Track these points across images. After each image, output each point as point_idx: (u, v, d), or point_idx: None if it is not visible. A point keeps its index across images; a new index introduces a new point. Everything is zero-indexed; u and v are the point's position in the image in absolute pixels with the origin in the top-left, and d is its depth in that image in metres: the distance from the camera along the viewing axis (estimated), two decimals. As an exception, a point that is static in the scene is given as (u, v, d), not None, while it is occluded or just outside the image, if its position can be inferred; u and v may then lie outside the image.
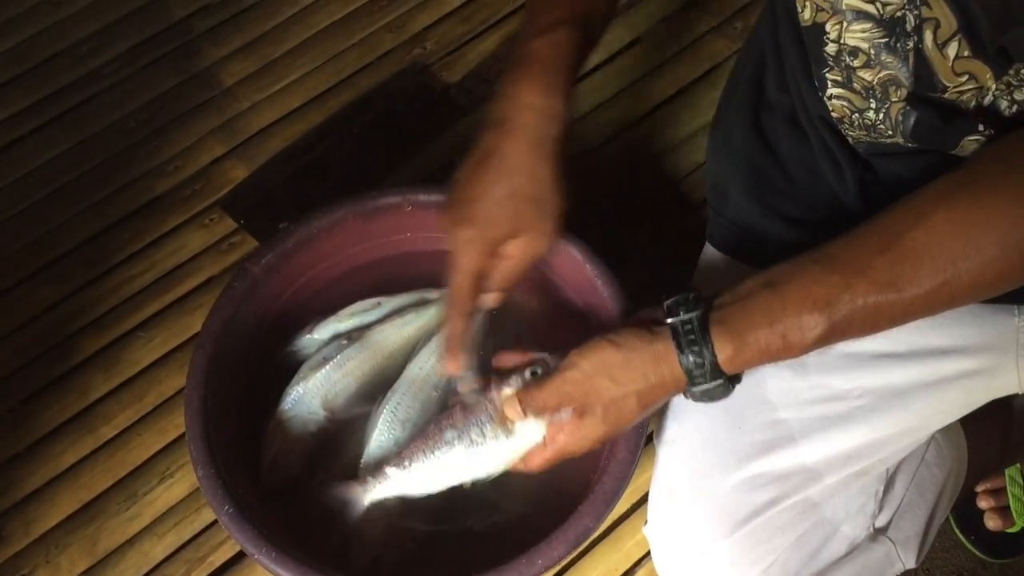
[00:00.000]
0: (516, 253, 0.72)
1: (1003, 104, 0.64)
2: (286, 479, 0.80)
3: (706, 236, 0.87)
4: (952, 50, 0.62)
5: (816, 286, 0.61)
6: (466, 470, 0.72)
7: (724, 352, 0.63)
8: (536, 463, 0.70)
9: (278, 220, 0.88)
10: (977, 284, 0.59)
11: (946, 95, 0.65)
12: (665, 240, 1.02)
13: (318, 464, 0.81)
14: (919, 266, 0.59)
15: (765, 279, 0.63)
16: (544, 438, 0.69)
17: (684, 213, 1.05)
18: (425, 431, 0.73)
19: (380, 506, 0.77)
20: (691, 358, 0.64)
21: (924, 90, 0.66)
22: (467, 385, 0.74)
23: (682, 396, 0.68)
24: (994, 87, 0.63)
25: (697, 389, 0.65)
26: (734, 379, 0.66)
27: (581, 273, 0.84)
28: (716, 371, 0.64)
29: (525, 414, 0.68)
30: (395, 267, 0.92)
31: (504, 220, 0.70)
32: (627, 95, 1.13)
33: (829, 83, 0.71)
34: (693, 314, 0.63)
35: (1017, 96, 0.63)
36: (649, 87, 1.14)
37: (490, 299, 0.75)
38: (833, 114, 0.73)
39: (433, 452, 0.71)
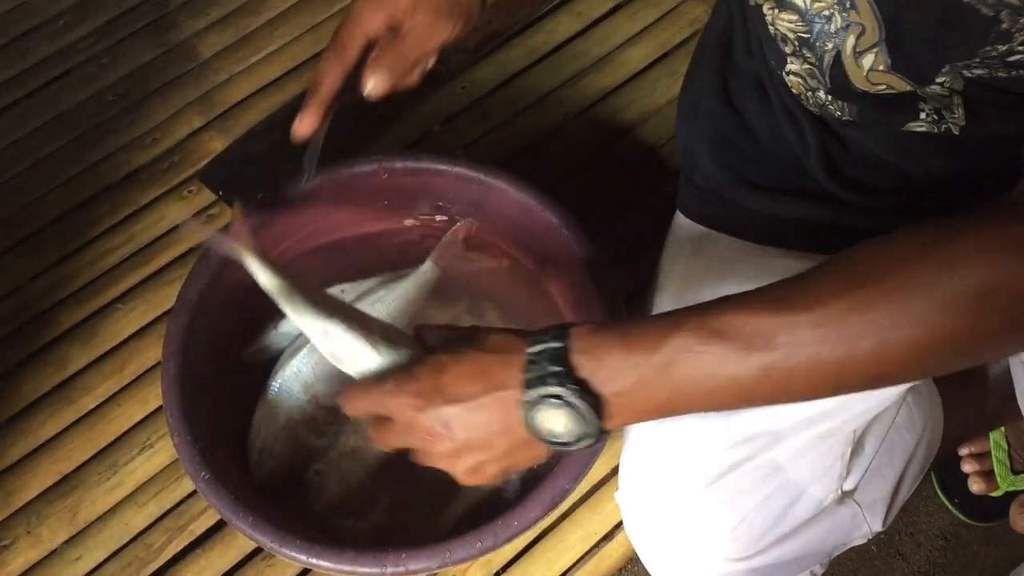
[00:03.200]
0: (413, 34, 0.71)
1: (959, 83, 0.62)
2: (276, 471, 0.80)
3: (677, 203, 0.87)
4: (867, 61, 0.61)
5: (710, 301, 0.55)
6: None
7: (580, 332, 0.55)
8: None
9: (256, 192, 0.87)
10: (870, 321, 0.49)
11: (870, 92, 0.64)
12: (643, 206, 1.02)
13: (313, 454, 0.81)
14: (815, 287, 0.51)
15: None
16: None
17: (662, 179, 1.05)
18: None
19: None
20: (536, 345, 0.55)
21: (838, 91, 0.65)
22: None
23: None
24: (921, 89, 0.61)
25: (535, 375, 0.53)
26: (595, 406, 0.53)
27: (556, 238, 0.84)
28: (561, 359, 0.53)
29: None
30: (373, 242, 0.92)
31: None
32: (607, 62, 1.13)
33: (788, 60, 0.71)
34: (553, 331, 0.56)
35: (976, 71, 0.60)
36: (629, 54, 1.13)
37: (372, 82, 0.72)
38: (792, 90, 0.73)
39: None
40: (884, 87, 0.62)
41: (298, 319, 0.66)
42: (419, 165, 0.89)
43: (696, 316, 0.53)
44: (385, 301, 0.85)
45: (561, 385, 0.53)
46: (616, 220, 1.01)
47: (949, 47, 0.56)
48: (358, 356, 0.64)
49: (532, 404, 0.54)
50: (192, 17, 1.16)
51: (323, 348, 0.66)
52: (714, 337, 0.51)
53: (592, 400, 0.54)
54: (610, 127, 1.09)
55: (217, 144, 1.07)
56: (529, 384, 0.54)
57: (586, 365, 0.54)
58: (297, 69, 1.13)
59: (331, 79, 0.72)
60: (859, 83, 0.63)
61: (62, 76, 1.12)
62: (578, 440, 0.55)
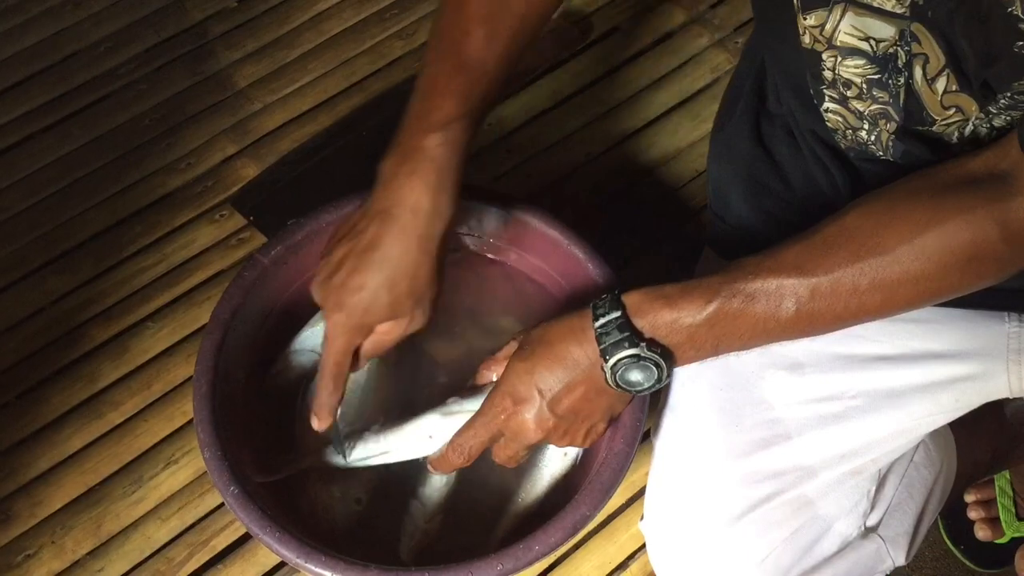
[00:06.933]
0: (389, 331, 0.73)
1: (983, 131, 0.66)
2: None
3: (707, 241, 0.90)
4: (941, 85, 0.64)
5: (731, 263, 0.66)
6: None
7: (631, 300, 0.66)
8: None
9: (286, 218, 0.89)
10: (879, 281, 0.62)
11: (934, 128, 0.67)
12: (664, 246, 1.05)
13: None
14: (826, 253, 0.63)
15: None
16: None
17: (683, 220, 1.07)
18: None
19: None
20: (600, 319, 0.66)
21: (913, 124, 0.68)
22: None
23: (678, 395, 0.70)
24: (974, 118, 0.65)
25: (609, 344, 0.65)
26: (662, 355, 0.65)
27: (583, 273, 0.87)
28: (626, 326, 0.65)
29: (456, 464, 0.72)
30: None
31: (381, 311, 0.71)
32: (630, 105, 1.16)
33: (827, 98, 0.73)
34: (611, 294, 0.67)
35: (996, 123, 0.65)
36: (651, 97, 1.16)
37: (359, 364, 0.76)
38: (828, 124, 0.75)
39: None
40: (954, 110, 0.65)
41: (406, 440, 0.77)
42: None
43: (729, 283, 0.64)
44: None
45: (635, 346, 0.65)
46: (637, 258, 1.04)
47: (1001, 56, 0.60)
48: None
49: (615, 367, 0.66)
50: (229, 48, 1.19)
51: (430, 449, 0.75)
52: (749, 301, 0.64)
53: (659, 351, 0.66)
54: (632, 167, 1.11)
55: (249, 171, 1.10)
56: (607, 352, 0.66)
57: (646, 326, 0.66)
58: (329, 101, 1.16)
59: (329, 397, 0.75)
60: (934, 110, 0.66)
61: (101, 100, 1.15)
62: (656, 383, 0.66)
